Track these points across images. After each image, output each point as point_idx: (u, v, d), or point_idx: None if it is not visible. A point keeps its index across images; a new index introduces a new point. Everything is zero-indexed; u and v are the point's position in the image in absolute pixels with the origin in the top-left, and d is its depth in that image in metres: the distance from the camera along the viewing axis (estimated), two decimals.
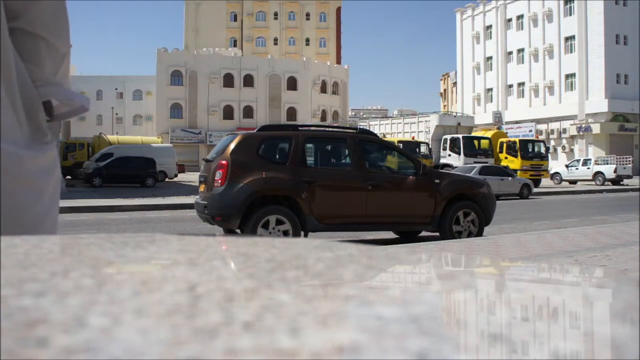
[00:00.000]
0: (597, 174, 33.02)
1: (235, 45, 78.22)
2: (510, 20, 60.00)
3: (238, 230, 8.21)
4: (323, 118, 64.54)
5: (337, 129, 11.30)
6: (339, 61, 77.89)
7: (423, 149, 33.68)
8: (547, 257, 6.68)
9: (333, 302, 0.41)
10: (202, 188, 8.88)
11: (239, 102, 63.00)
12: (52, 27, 1.16)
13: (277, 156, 8.62)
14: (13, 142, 1.04)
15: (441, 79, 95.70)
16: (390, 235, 10.00)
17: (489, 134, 34.85)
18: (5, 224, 1.03)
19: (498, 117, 52.74)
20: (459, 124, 41.37)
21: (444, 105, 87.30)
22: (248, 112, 63.22)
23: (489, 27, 61.99)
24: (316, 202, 8.27)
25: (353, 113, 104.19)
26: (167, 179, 31.85)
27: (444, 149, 33.32)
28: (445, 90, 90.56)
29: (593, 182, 32.65)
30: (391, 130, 46.16)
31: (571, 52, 53.44)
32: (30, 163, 1.08)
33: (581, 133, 51.34)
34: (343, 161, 9.10)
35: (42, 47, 1.16)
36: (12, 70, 1.06)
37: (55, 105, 1.20)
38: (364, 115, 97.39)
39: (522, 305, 0.44)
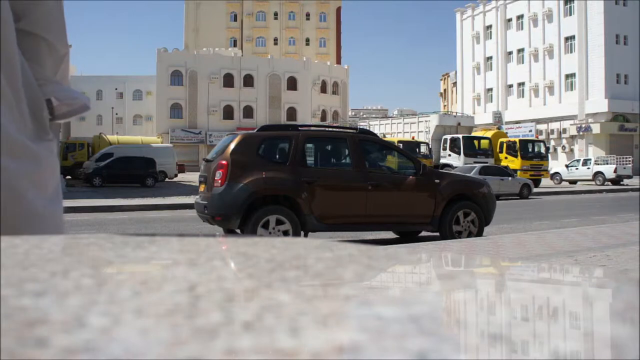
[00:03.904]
0: (597, 174, 33.02)
1: (235, 45, 78.20)
2: (510, 20, 59.98)
3: (238, 230, 8.20)
4: (323, 118, 64.52)
5: (337, 129, 11.30)
6: (339, 61, 77.87)
7: (423, 149, 33.68)
8: (547, 257, 6.68)
9: (333, 302, 0.41)
10: (202, 188, 8.88)
11: (239, 102, 62.99)
12: (52, 27, 1.19)
13: (277, 156, 8.62)
14: (17, 137, 1.05)
15: (441, 79, 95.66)
16: (390, 235, 10.00)
17: (489, 134, 34.86)
18: (4, 217, 1.03)
19: (498, 117, 52.77)
20: (459, 124, 41.38)
21: (444, 105, 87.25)
22: (248, 112, 63.20)
23: (489, 27, 61.98)
24: (316, 202, 8.27)
25: (353, 113, 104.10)
26: (167, 179, 31.84)
27: (444, 149, 33.34)
28: (445, 90, 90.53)
29: (593, 182, 32.65)
30: (391, 130, 46.16)
31: (571, 52, 53.43)
32: (32, 159, 1.09)
33: (581, 133, 51.34)
34: (343, 161, 9.10)
35: (43, 48, 1.18)
36: (17, 66, 1.07)
37: (56, 105, 1.21)
38: (364, 115, 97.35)
39: (522, 305, 0.44)
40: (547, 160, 33.34)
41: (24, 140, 1.07)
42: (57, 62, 1.21)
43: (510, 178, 22.48)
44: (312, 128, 9.83)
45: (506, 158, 31.57)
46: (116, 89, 74.54)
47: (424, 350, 0.29)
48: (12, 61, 1.06)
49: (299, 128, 9.03)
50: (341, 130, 10.88)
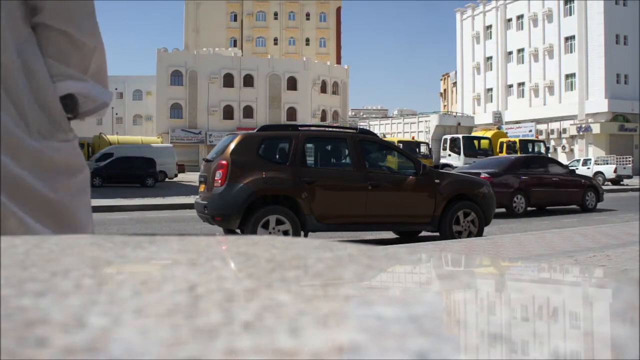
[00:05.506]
0: (597, 174, 33.01)
1: (235, 45, 78.20)
2: (510, 20, 59.98)
3: (238, 230, 8.20)
4: (323, 118, 64.52)
5: (337, 129, 11.30)
6: (339, 61, 77.87)
7: (423, 149, 33.69)
8: (547, 257, 6.68)
9: (333, 302, 0.41)
10: (202, 188, 8.88)
11: (239, 102, 62.99)
12: (73, 20, 1.14)
13: (277, 156, 8.62)
14: (14, 136, 1.03)
15: (441, 79, 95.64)
16: (390, 235, 10.00)
17: (489, 134, 34.90)
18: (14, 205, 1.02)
19: (498, 117, 52.77)
20: (459, 124, 41.40)
21: (444, 105, 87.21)
22: (248, 112, 63.21)
23: (489, 27, 61.97)
24: (316, 202, 8.27)
25: (353, 113, 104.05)
26: (167, 179, 31.85)
27: (444, 149, 33.35)
28: (445, 90, 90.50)
29: None
30: (391, 130, 46.17)
31: (571, 52, 53.42)
32: (40, 158, 1.07)
33: (581, 133, 51.33)
34: (343, 161, 9.10)
35: (63, 41, 1.13)
36: (13, 65, 1.05)
37: (81, 102, 1.18)
38: (364, 115, 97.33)
39: (522, 305, 0.44)
40: None
41: (23, 140, 1.04)
42: (86, 56, 1.16)
43: None
44: (312, 128, 9.82)
45: None
46: (116, 89, 74.41)
47: (424, 350, 0.29)
48: (7, 59, 1.04)
49: (299, 128, 9.03)
50: (341, 130, 10.88)
